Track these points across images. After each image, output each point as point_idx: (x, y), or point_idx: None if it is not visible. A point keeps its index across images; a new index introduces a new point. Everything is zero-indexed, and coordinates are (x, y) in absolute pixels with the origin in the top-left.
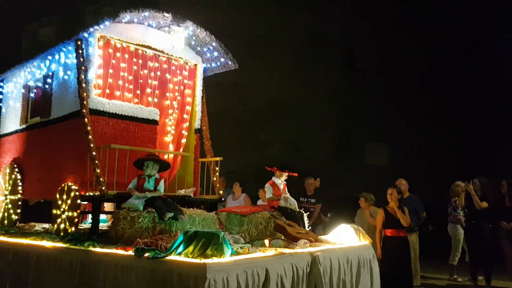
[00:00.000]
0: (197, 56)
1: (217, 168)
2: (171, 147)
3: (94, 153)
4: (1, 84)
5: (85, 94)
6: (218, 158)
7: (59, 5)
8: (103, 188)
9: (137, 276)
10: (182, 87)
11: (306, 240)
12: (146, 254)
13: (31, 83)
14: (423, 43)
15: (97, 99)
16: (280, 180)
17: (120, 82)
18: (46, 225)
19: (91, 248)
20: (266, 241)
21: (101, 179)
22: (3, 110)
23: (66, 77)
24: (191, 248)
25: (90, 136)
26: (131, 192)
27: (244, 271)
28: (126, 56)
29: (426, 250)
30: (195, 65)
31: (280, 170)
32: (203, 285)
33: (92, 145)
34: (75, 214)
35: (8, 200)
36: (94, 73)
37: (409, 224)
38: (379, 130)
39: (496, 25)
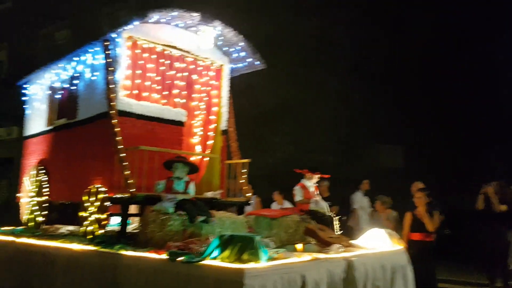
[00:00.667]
0: (224, 57)
1: (244, 170)
2: (198, 149)
3: (122, 154)
4: (26, 86)
5: (113, 95)
6: (245, 160)
7: (74, 10)
8: (132, 190)
9: (171, 280)
10: (208, 88)
11: (339, 245)
12: (180, 258)
13: (57, 85)
14: (432, 43)
15: (124, 100)
16: (311, 183)
17: (147, 83)
18: (71, 227)
19: (123, 251)
20: (299, 246)
21: (129, 181)
22: (28, 112)
23: (93, 78)
24: (227, 252)
25: (118, 138)
26: (160, 195)
27: (281, 277)
28: (153, 56)
29: (443, 253)
30: (221, 65)
31: (311, 172)
32: None
33: (120, 146)
34: (103, 216)
35: (33, 202)
36: (121, 74)
37: (436, 229)
38: (392, 132)
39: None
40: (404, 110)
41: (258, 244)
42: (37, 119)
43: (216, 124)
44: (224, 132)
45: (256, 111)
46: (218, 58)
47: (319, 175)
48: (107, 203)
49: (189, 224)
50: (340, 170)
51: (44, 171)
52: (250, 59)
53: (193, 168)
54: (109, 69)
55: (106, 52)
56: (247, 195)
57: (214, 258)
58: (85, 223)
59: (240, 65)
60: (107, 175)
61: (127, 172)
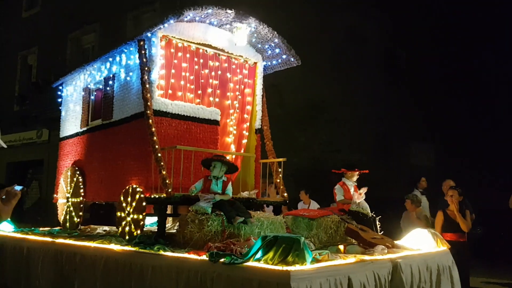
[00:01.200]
0: (257, 54)
1: (280, 169)
2: (232, 148)
3: (159, 154)
4: (60, 87)
5: (148, 95)
6: (281, 159)
7: (100, 13)
8: (170, 190)
9: (212, 282)
10: (242, 86)
11: (383, 246)
12: (222, 260)
13: (91, 86)
14: (463, 38)
15: (160, 100)
16: (351, 182)
17: (182, 82)
18: (107, 228)
19: (162, 252)
20: (341, 247)
21: (167, 181)
22: (63, 113)
23: (128, 78)
24: (271, 254)
25: (154, 138)
26: (198, 195)
27: (327, 280)
28: (188, 55)
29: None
30: (255, 63)
31: (350, 170)
32: None
33: (157, 146)
34: (140, 216)
35: (70, 203)
36: (157, 74)
37: (469, 229)
38: (421, 130)
39: None
40: (436, 107)
41: (303, 245)
42: (72, 121)
43: (250, 123)
44: (258, 131)
45: (284, 110)
46: (252, 55)
47: (358, 172)
48: (144, 204)
49: (228, 225)
50: (371, 169)
51: (79, 172)
52: (285, 56)
53: (231, 168)
54: (145, 69)
55: (142, 52)
56: (284, 194)
57: (258, 259)
58: (123, 223)
59: (274, 62)
60: (143, 175)
61: (164, 172)
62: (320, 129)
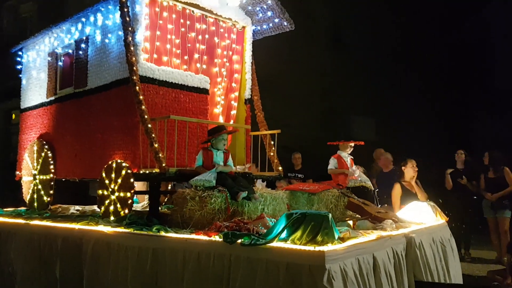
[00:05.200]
0: (247, 18)
1: (272, 142)
2: (220, 119)
3: (149, 125)
4: (20, 53)
5: (134, 58)
6: (275, 131)
7: None
8: (163, 165)
9: (229, 265)
10: (230, 53)
11: (391, 221)
12: (240, 240)
13: (59, 50)
14: (411, 16)
15: (146, 65)
16: (346, 153)
17: (168, 46)
18: (78, 207)
19: (163, 233)
20: (350, 222)
21: (160, 155)
22: (24, 82)
23: (106, 40)
24: (298, 233)
25: (143, 106)
26: (198, 171)
27: (356, 259)
28: (174, 16)
29: None
30: (243, 27)
31: (344, 141)
32: (321, 277)
33: (146, 116)
34: (128, 194)
35: (37, 181)
36: (142, 35)
37: (427, 198)
38: (365, 105)
39: None
40: (387, 83)
41: (331, 222)
42: (35, 90)
43: (239, 93)
44: (248, 101)
45: None
46: (241, 18)
47: (352, 143)
48: (132, 180)
49: (232, 202)
50: (319, 145)
51: (48, 146)
52: (277, 20)
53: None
54: (129, 29)
55: (124, 9)
56: (278, 168)
57: (284, 239)
58: (106, 202)
59: (265, 26)
60: (129, 148)
61: (156, 145)
62: (269, 105)
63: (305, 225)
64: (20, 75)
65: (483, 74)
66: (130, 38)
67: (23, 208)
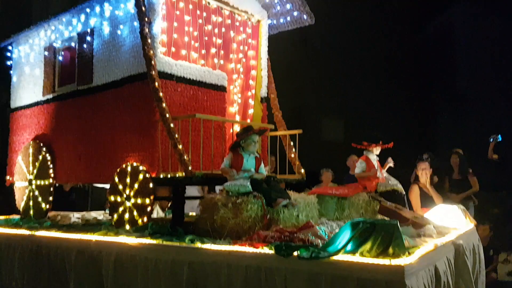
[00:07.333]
0: (263, 10)
1: (292, 143)
2: (237, 119)
3: (171, 125)
4: (10, 48)
5: (151, 52)
6: (296, 131)
7: None
8: (190, 168)
9: (283, 281)
10: (246, 48)
11: (432, 227)
12: (296, 253)
13: (58, 44)
14: (374, 17)
15: (164, 59)
16: (373, 156)
17: (186, 39)
18: (78, 214)
19: (200, 245)
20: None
21: (185, 157)
22: (14, 79)
23: (118, 32)
24: (368, 245)
25: (164, 104)
26: (224, 173)
27: (425, 271)
28: (190, 7)
29: None
30: (258, 21)
31: (373, 143)
32: None
33: (168, 115)
34: (147, 201)
35: (33, 186)
36: (159, 27)
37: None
38: (334, 106)
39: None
40: (355, 85)
41: (401, 232)
42: (28, 87)
43: (255, 90)
44: (264, 100)
45: None
46: (257, 11)
47: (381, 146)
48: (151, 185)
49: (269, 209)
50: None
51: (46, 148)
52: (296, 13)
53: None
54: (144, 19)
55: None
56: (301, 171)
57: (351, 252)
58: (120, 209)
59: (282, 20)
60: (147, 150)
61: (180, 147)
62: None
63: (375, 236)
64: (11, 72)
65: (447, 75)
66: (147, 30)
67: (16, 217)
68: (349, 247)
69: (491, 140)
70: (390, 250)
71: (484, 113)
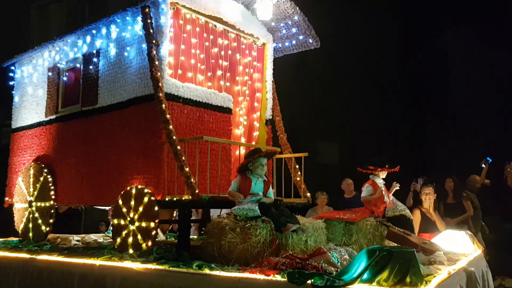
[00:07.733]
0: (268, 34)
1: (297, 166)
2: (242, 141)
3: (178, 147)
4: (13, 68)
5: (159, 74)
6: (302, 154)
7: None
8: (197, 191)
9: None
10: (251, 70)
11: (442, 254)
12: (309, 281)
13: (62, 64)
14: (370, 41)
15: (170, 81)
16: (380, 180)
17: (193, 61)
18: (77, 237)
19: (208, 271)
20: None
21: (192, 180)
22: (16, 99)
23: (125, 54)
24: (385, 273)
25: (170, 126)
26: (231, 196)
27: None
28: (197, 29)
29: None
30: (264, 44)
31: (380, 167)
32: None
33: (174, 137)
34: (152, 224)
35: (33, 208)
36: (166, 49)
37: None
38: (328, 129)
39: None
40: (349, 108)
41: (418, 260)
42: (31, 108)
43: (260, 113)
44: (269, 122)
45: None
46: (263, 35)
47: (387, 169)
48: (156, 208)
49: (278, 234)
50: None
51: (47, 170)
52: (302, 37)
53: None
54: (152, 42)
55: (147, 21)
56: (307, 195)
57: (368, 281)
58: (123, 233)
59: (287, 44)
60: (151, 173)
61: (186, 169)
62: None
63: (393, 264)
64: (12, 92)
65: (441, 100)
66: (155, 52)
67: (15, 239)
68: (365, 275)
69: (483, 165)
70: (408, 279)
71: (477, 138)
